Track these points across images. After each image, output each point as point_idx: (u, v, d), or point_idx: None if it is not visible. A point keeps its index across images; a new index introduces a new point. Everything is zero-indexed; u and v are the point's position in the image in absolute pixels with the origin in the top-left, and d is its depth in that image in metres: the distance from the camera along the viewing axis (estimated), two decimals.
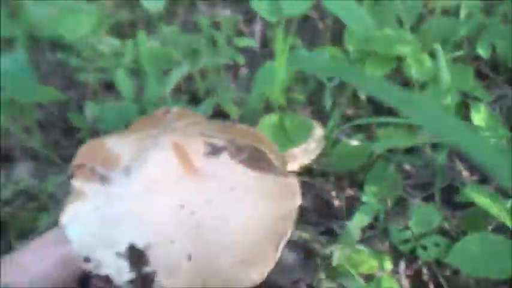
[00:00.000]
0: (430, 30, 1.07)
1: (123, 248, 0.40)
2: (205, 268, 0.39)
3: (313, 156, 0.94)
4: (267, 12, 0.75)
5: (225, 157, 0.46)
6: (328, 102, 0.96)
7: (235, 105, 0.92)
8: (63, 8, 0.66)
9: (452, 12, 1.20)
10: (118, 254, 0.40)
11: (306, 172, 1.07)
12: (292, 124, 0.92)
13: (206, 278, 0.39)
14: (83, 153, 0.45)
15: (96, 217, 0.42)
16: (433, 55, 1.06)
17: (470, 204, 0.89)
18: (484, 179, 1.02)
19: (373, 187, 1.00)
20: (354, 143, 1.03)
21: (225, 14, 1.38)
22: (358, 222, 0.87)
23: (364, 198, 0.99)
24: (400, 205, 1.01)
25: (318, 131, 0.96)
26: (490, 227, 0.88)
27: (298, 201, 0.40)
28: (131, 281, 0.40)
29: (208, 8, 1.65)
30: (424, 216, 0.86)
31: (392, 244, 0.91)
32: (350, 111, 1.15)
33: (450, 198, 0.99)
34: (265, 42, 1.36)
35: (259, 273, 0.35)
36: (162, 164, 0.43)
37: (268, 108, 1.04)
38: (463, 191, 0.86)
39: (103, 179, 0.44)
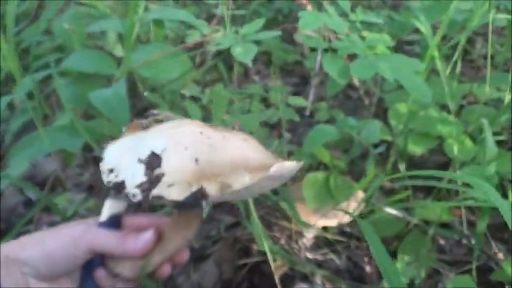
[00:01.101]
0: (473, 114, 1.14)
1: (144, 155, 0.47)
2: (207, 170, 0.46)
3: (351, 217, 0.99)
4: (337, 75, 0.81)
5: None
6: (370, 167, 1.02)
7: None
8: (161, 53, 0.79)
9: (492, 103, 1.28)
10: (139, 160, 0.47)
11: (343, 233, 1.11)
12: (336, 183, 0.99)
13: (207, 176, 0.46)
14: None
15: (129, 141, 0.52)
16: (473, 138, 1.13)
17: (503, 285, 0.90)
18: None
19: (406, 256, 1.03)
20: (391, 211, 1.07)
21: (276, 83, 1.51)
22: None
23: (397, 266, 1.01)
24: (433, 279, 1.02)
25: (359, 194, 1.02)
26: None
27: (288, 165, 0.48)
28: (140, 184, 0.45)
29: (260, 79, 1.81)
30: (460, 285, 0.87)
31: None
32: (388, 182, 1.21)
33: (484, 278, 1.00)
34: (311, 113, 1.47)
35: (250, 178, 0.46)
36: (189, 124, 0.53)
37: (313, 167, 1.12)
38: (499, 270, 0.88)
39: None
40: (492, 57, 1.35)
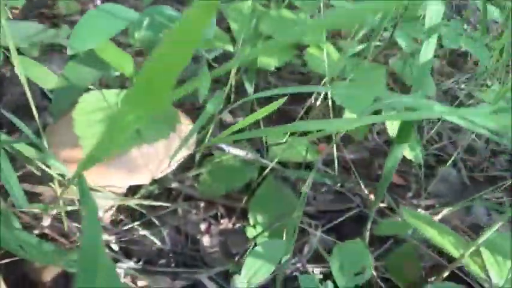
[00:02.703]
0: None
1: None
2: None
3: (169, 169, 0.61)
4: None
5: None
6: (203, 80, 0.66)
7: None
8: None
9: None
10: None
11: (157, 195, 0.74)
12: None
13: None
14: None
15: None
16: (339, 48, 0.84)
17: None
18: None
19: (259, 215, 0.71)
20: (237, 152, 0.74)
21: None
22: None
23: (248, 231, 0.68)
24: (299, 241, 0.74)
25: (184, 128, 0.63)
26: None
27: None
28: None
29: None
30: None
31: None
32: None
33: (358, 230, 0.74)
34: None
35: None
36: None
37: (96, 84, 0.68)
38: (386, 223, 0.62)
39: None
40: None
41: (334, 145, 0.76)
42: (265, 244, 0.51)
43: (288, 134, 0.80)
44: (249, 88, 0.78)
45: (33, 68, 0.58)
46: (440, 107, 0.42)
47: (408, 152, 0.79)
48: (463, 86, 1.12)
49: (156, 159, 0.57)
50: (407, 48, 0.79)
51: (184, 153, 0.59)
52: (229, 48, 0.79)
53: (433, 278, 0.70)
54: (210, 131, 0.67)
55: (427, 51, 0.51)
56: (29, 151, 0.45)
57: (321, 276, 0.70)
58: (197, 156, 0.73)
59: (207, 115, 0.57)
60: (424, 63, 0.50)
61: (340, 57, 0.79)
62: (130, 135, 0.54)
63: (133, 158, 0.55)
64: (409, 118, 0.50)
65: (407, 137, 0.56)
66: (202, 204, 0.75)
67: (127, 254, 0.64)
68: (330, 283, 0.53)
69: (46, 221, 0.55)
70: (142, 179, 0.55)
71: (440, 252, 0.75)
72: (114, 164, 0.54)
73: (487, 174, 0.92)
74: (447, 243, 0.52)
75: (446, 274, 0.60)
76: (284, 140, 0.79)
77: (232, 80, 0.72)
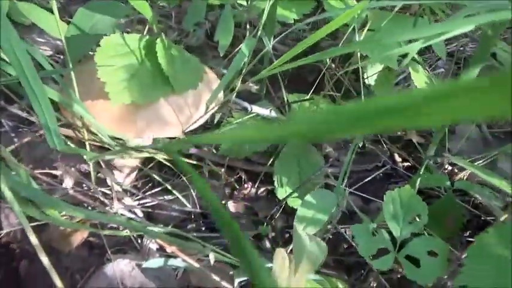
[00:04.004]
0: None
1: None
2: None
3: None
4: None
5: None
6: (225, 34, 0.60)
7: None
8: None
9: None
10: None
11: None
12: (169, 59, 0.52)
13: None
14: None
15: None
16: None
17: None
18: None
19: (283, 176, 0.67)
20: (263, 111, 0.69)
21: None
22: None
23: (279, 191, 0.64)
24: None
25: (213, 79, 0.58)
26: None
27: None
28: None
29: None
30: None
31: None
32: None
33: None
34: None
35: None
36: None
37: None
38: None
39: None
40: None
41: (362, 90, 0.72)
42: (316, 194, 0.47)
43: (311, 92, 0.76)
44: (268, 43, 0.73)
45: (40, 15, 0.52)
46: None
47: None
48: None
49: (187, 111, 0.51)
50: None
51: (214, 105, 0.53)
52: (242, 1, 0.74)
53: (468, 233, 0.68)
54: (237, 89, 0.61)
55: None
56: (55, 96, 0.39)
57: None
58: (217, 117, 0.68)
59: (242, 57, 0.51)
60: None
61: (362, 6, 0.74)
62: (159, 83, 0.48)
63: (163, 109, 0.50)
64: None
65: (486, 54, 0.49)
66: (223, 169, 0.71)
67: (151, 220, 0.59)
68: (384, 231, 0.50)
69: (69, 182, 0.49)
70: (174, 131, 0.50)
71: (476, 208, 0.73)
72: (143, 115, 0.48)
73: (506, 130, 0.90)
74: (504, 184, 0.49)
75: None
76: (307, 98, 0.74)
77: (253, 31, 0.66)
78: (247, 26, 0.75)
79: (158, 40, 0.51)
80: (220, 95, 0.57)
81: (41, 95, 0.34)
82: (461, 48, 0.95)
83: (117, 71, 0.47)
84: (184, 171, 0.63)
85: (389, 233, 0.49)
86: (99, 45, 0.47)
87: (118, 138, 0.49)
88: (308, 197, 0.47)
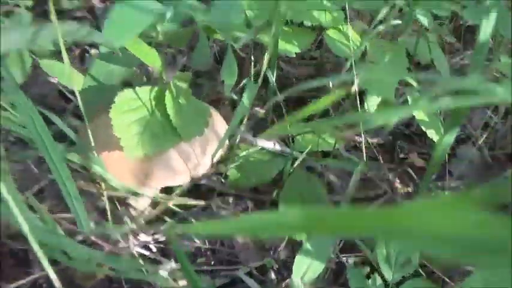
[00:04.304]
0: None
1: None
2: None
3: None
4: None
5: None
6: (229, 76, 0.64)
7: None
8: None
9: None
10: None
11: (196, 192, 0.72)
12: (178, 108, 0.56)
13: None
14: None
15: None
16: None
17: None
18: None
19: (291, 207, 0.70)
20: (266, 144, 0.72)
21: None
22: None
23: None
24: None
25: (219, 126, 0.62)
26: None
27: None
28: None
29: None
30: None
31: None
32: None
33: None
34: None
35: None
36: None
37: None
38: None
39: None
40: None
41: (362, 135, 0.75)
42: (314, 242, 0.50)
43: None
44: (271, 77, 0.76)
45: (57, 68, 0.56)
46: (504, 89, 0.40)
47: (430, 131, 0.78)
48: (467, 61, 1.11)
49: (194, 158, 0.55)
50: (429, 24, 0.77)
51: (221, 150, 0.57)
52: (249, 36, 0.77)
53: None
54: (244, 122, 0.65)
55: (486, 30, 0.48)
56: (74, 156, 0.43)
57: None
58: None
59: (244, 109, 0.55)
60: (483, 43, 0.48)
61: (362, 39, 0.77)
62: (169, 134, 0.52)
63: (171, 158, 0.53)
64: (469, 104, 0.46)
65: (458, 122, 0.54)
66: (230, 199, 0.74)
67: (164, 255, 0.63)
68: (377, 277, 0.53)
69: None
70: (182, 179, 0.54)
71: None
72: (155, 165, 0.52)
73: (507, 152, 0.92)
74: None
75: None
76: (308, 130, 0.77)
77: (262, 71, 0.70)
78: (251, 58, 0.78)
79: (167, 92, 0.54)
80: (226, 142, 0.60)
81: (71, 188, 0.38)
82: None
83: (130, 126, 0.50)
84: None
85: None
86: (113, 102, 0.51)
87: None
88: (306, 246, 0.50)
